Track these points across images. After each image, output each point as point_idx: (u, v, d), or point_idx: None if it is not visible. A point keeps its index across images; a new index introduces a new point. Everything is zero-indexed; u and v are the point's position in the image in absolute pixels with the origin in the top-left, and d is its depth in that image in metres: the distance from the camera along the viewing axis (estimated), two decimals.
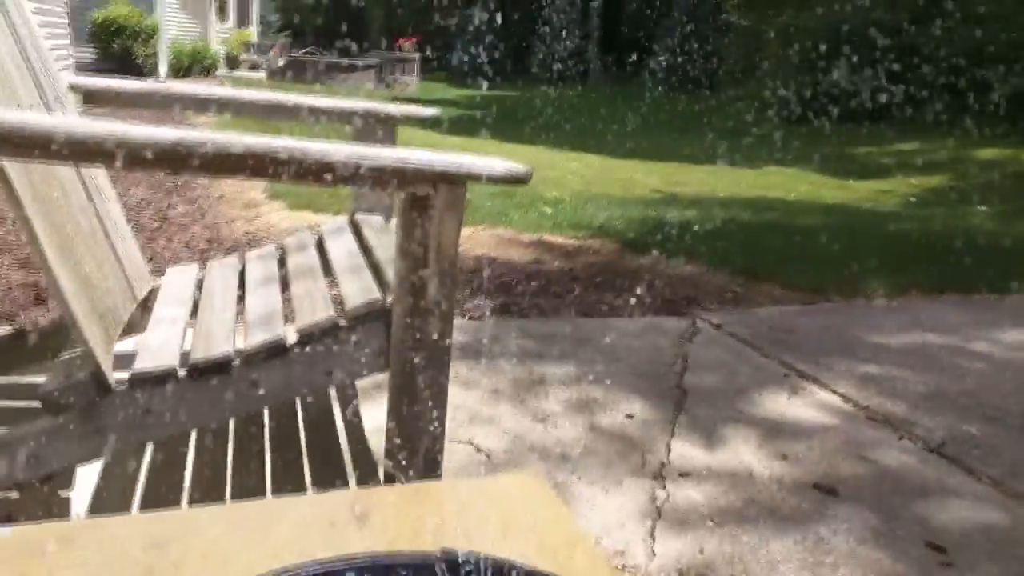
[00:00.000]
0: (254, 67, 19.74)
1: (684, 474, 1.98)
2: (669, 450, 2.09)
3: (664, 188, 7.17)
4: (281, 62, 18.86)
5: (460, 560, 0.69)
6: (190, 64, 16.17)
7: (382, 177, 1.26)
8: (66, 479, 1.45)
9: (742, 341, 2.93)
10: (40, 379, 1.62)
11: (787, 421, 2.32)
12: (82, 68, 12.06)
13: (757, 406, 2.40)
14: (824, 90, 13.02)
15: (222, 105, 1.98)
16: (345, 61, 19.02)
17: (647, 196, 6.56)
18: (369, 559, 0.74)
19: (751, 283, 3.78)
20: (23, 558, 0.84)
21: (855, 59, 12.79)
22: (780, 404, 2.43)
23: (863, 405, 2.45)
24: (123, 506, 1.49)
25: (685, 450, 2.10)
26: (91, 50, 13.50)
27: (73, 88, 1.75)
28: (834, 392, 2.54)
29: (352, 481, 1.56)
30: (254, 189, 5.20)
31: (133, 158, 1.11)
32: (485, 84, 20.74)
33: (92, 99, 1.78)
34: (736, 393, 2.48)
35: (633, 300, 3.38)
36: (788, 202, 6.67)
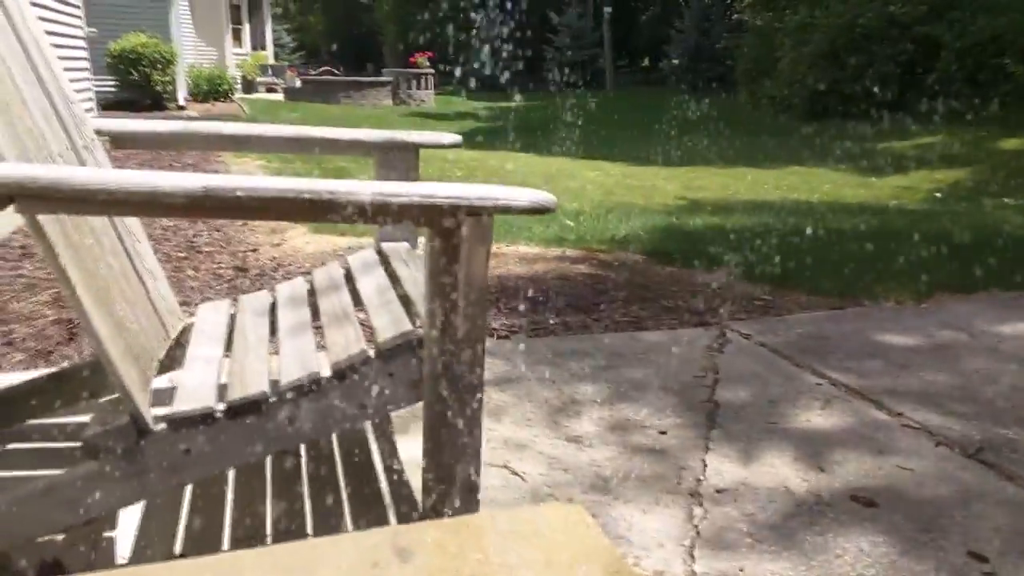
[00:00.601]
0: (271, 89, 19.97)
1: (720, 491, 1.96)
2: (704, 466, 2.08)
3: (685, 194, 7.15)
4: (298, 83, 19.08)
5: None
6: (208, 89, 16.39)
7: (409, 212, 1.27)
8: (109, 520, 1.47)
9: (773, 351, 2.91)
10: (79, 419, 1.65)
11: (821, 432, 2.29)
12: (102, 99, 12.27)
13: (791, 417, 2.38)
14: (842, 86, 12.93)
15: (245, 142, 2.00)
16: (361, 79, 19.20)
17: (668, 204, 6.55)
18: None
19: (778, 290, 3.76)
20: None
21: (872, 54, 12.69)
22: (814, 414, 2.40)
23: (897, 412, 2.42)
24: (166, 546, 1.51)
25: (720, 466, 2.08)
26: (111, 80, 13.72)
27: (99, 133, 1.78)
28: (867, 399, 2.51)
29: (391, 514, 1.57)
30: None
31: (166, 207, 1.13)
32: (501, 96, 20.82)
33: (118, 142, 1.81)
34: (769, 404, 2.46)
35: (659, 312, 3.37)
36: (811, 203, 6.62)
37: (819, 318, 3.34)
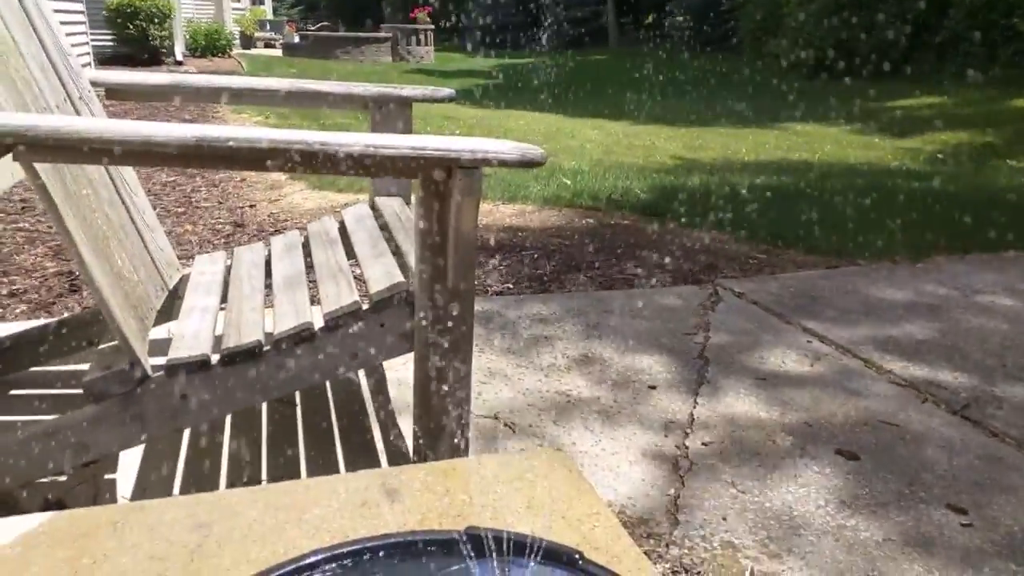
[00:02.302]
0: (269, 44, 19.74)
1: (706, 443, 2.01)
2: (692, 419, 2.12)
3: (686, 154, 7.12)
4: (296, 39, 18.85)
5: (482, 537, 0.73)
6: (206, 45, 16.21)
7: (399, 165, 1.29)
8: (111, 463, 1.52)
9: (764, 308, 2.94)
10: (80, 367, 1.69)
11: (809, 388, 2.33)
12: (99, 53, 12.15)
13: (779, 374, 2.42)
14: (848, 45, 12.77)
15: (240, 94, 2.01)
16: (360, 35, 18.96)
17: (668, 163, 6.52)
18: (400, 537, 0.78)
19: (774, 249, 3.78)
20: (79, 540, 0.89)
21: (879, 13, 12.52)
22: (802, 371, 2.44)
23: (886, 369, 2.46)
24: (165, 487, 1.55)
25: (708, 420, 2.13)
26: (107, 34, 13.57)
27: (95, 84, 1.79)
28: (856, 357, 2.55)
29: (383, 460, 1.61)
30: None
31: (160, 156, 1.15)
32: (501, 52, 20.56)
33: (115, 95, 1.82)
34: (758, 360, 2.50)
35: (653, 270, 3.39)
36: (812, 163, 6.60)
37: (813, 276, 3.37)
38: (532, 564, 0.72)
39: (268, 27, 21.03)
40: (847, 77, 12.12)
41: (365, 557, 0.76)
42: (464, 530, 0.78)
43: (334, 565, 0.75)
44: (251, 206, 4.37)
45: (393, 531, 0.83)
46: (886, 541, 1.64)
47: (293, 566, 0.74)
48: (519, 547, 0.74)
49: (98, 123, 1.12)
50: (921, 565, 1.57)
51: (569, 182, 5.12)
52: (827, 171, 6.09)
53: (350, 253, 1.76)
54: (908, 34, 12.52)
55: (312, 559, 0.75)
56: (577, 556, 0.75)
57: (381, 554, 0.76)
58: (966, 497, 1.81)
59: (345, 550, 0.76)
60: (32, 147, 1.09)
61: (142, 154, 1.14)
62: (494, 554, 0.73)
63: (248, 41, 19.36)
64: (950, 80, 10.77)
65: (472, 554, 0.72)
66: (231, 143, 1.16)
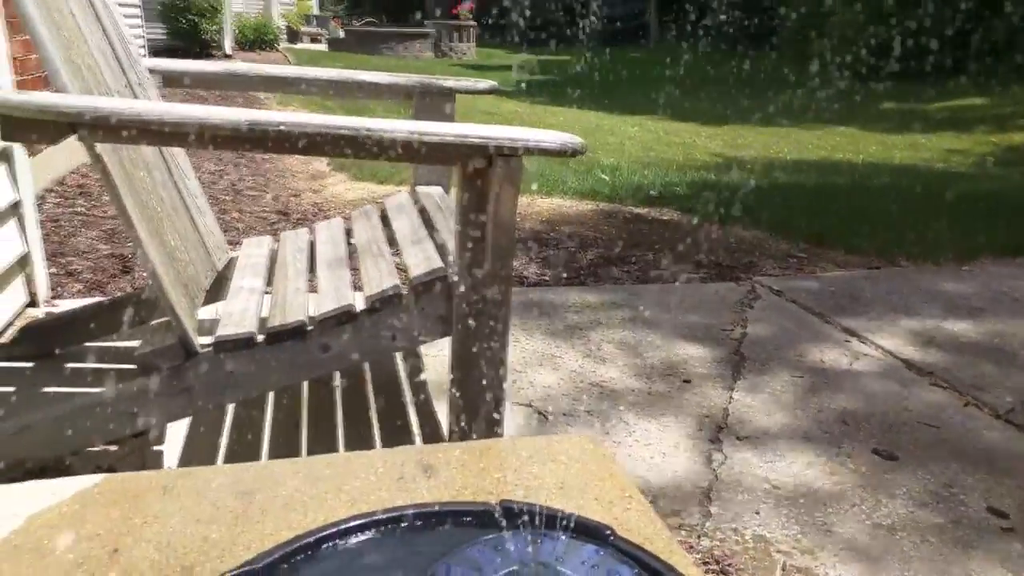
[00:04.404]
0: (315, 39, 19.96)
1: (742, 438, 2.01)
2: (727, 414, 2.12)
3: (726, 152, 7.07)
4: (341, 33, 19.04)
5: (516, 510, 0.76)
6: (254, 39, 16.46)
7: (441, 152, 1.32)
8: (158, 435, 1.58)
9: (803, 307, 2.92)
10: (131, 344, 1.76)
11: (847, 387, 2.32)
12: (152, 46, 12.41)
13: (817, 372, 2.40)
14: (896, 44, 12.52)
15: (288, 83, 2.06)
16: (403, 30, 19.09)
17: (708, 161, 6.48)
18: (436, 507, 0.81)
19: (815, 248, 3.74)
20: (130, 501, 0.93)
21: (929, 10, 12.25)
22: (841, 370, 2.43)
23: (928, 371, 2.43)
24: (209, 459, 1.61)
25: (743, 415, 2.13)
26: (160, 28, 13.87)
27: (152, 71, 1.85)
28: (897, 358, 2.52)
29: (419, 441, 1.65)
30: (319, 162, 5.33)
31: (214, 139, 1.19)
32: (542, 49, 20.55)
33: (170, 82, 1.88)
34: (795, 358, 2.49)
35: (691, 266, 3.38)
36: (856, 164, 6.50)
37: (854, 276, 3.33)
38: (564, 538, 0.74)
39: (314, 22, 21.27)
40: (894, 77, 11.88)
41: (402, 524, 0.78)
42: (498, 502, 0.81)
43: (372, 531, 0.78)
44: (294, 196, 4.45)
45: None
46: (924, 542, 1.63)
47: (333, 529, 0.77)
48: (551, 521, 0.76)
49: (157, 106, 1.17)
50: (960, 568, 1.56)
51: (607, 178, 5.11)
52: (871, 172, 6.00)
53: (391, 240, 1.79)
54: (959, 34, 12.24)
55: (351, 524, 0.78)
56: (608, 532, 0.77)
57: (418, 522, 0.79)
58: (1009, 501, 1.79)
59: (382, 516, 0.79)
60: (94, 128, 1.13)
61: (197, 136, 1.18)
62: (527, 527, 0.75)
63: (294, 36, 19.61)
64: (1000, 81, 10.51)
65: (506, 525, 0.74)
66: (282, 127, 1.20)
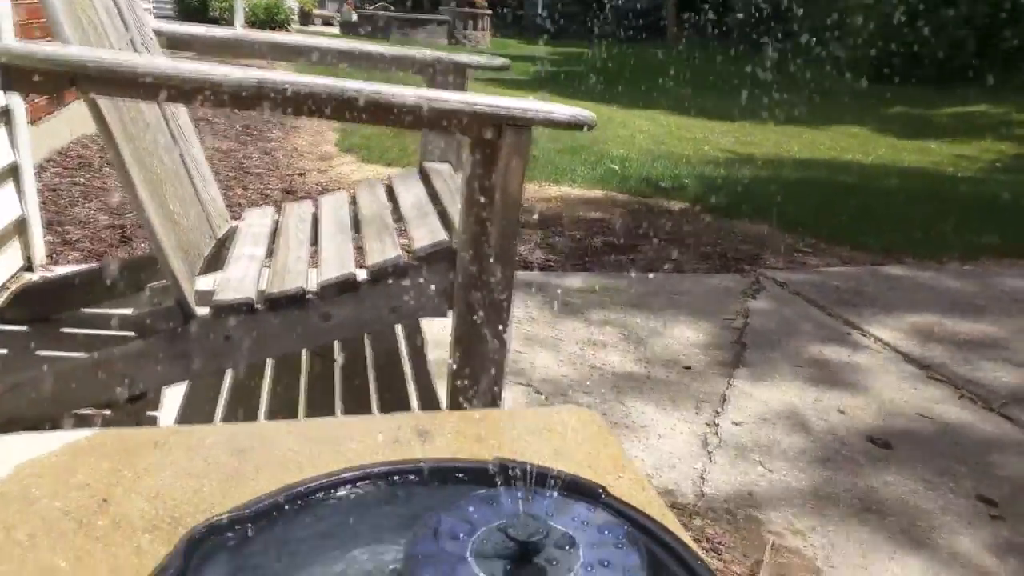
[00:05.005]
0: (327, 22, 19.91)
1: (737, 423, 2.00)
2: (725, 400, 2.11)
3: (737, 148, 7.03)
4: (354, 17, 18.99)
5: (511, 468, 0.75)
6: (265, 19, 16.42)
7: (449, 119, 1.30)
8: (154, 401, 1.57)
9: (807, 299, 2.91)
10: (124, 311, 1.75)
11: (846, 377, 2.31)
12: (160, 19, 12.40)
13: (816, 362, 2.39)
14: (911, 48, 12.45)
15: (299, 52, 2.04)
16: (417, 16, 19.04)
17: (718, 156, 6.45)
18: (431, 463, 0.80)
19: (821, 244, 3.72)
20: (121, 454, 0.93)
21: (946, 15, 12.18)
22: (840, 361, 2.41)
23: (925, 364, 2.42)
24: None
25: (740, 402, 2.12)
26: (169, 4, 13.84)
27: (157, 33, 1.83)
28: (896, 351, 2.51)
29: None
30: (327, 143, 5.32)
31: (217, 97, 1.18)
32: (557, 41, 20.49)
33: (174, 45, 1.86)
34: (796, 349, 2.48)
35: (697, 258, 3.37)
36: (864, 164, 6.47)
37: (859, 272, 3.32)
38: (555, 494, 0.73)
39: (327, 4, 21.19)
40: (907, 81, 11.83)
41: (395, 479, 0.78)
42: (493, 459, 0.80)
43: (365, 484, 0.77)
44: (300, 175, 4.43)
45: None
46: (913, 527, 1.63)
47: (325, 481, 0.76)
48: (544, 479, 0.75)
49: (158, 60, 1.16)
50: (947, 552, 1.56)
51: (617, 168, 5.09)
52: (879, 172, 5.97)
53: (396, 213, 1.78)
54: (974, 40, 12.17)
55: (344, 475, 0.77)
56: (600, 491, 0.76)
57: (412, 477, 0.78)
58: (998, 490, 1.78)
59: (375, 470, 0.78)
60: (93, 79, 1.12)
61: (201, 94, 1.17)
62: (520, 484, 0.74)
63: (307, 17, 19.55)
64: (1015, 89, 10.44)
65: (497, 481, 0.73)
66: (287, 88, 1.18)
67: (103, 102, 1.23)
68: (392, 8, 20.35)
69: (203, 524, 0.70)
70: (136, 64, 1.13)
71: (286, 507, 0.72)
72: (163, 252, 1.36)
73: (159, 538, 0.76)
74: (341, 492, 0.75)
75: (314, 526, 0.71)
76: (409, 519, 0.68)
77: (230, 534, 0.70)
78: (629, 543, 0.65)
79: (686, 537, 0.79)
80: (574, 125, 1.32)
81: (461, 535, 0.65)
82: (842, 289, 3.05)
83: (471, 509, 0.68)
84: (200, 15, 13.96)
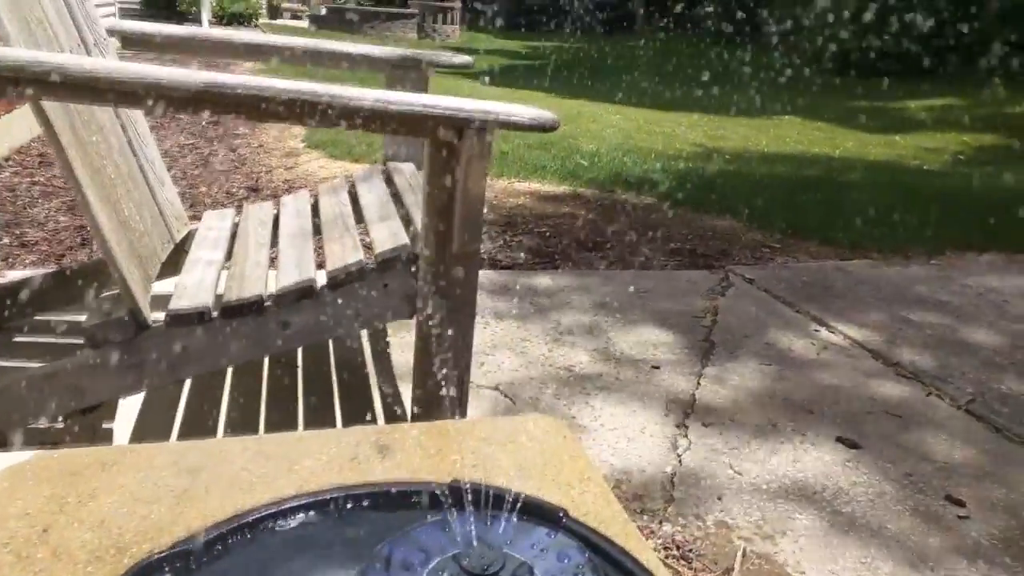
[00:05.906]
0: (296, 16, 19.67)
1: (707, 424, 1.99)
2: (694, 400, 2.11)
3: (706, 142, 7.06)
4: (323, 11, 18.78)
5: (466, 490, 0.72)
6: (233, 13, 16.17)
7: (409, 122, 1.27)
8: (109, 412, 1.52)
9: (774, 296, 2.92)
10: (81, 317, 1.69)
11: (814, 376, 2.31)
12: (126, 14, 12.15)
13: (784, 359, 2.40)
14: (872, 42, 12.59)
15: (259, 51, 1.99)
16: (387, 9, 18.88)
17: (688, 150, 6.46)
18: (384, 487, 0.77)
19: (789, 239, 3.74)
20: (66, 478, 0.89)
21: (911, 8, 12.33)
22: (808, 358, 2.42)
23: (893, 361, 2.44)
24: (162, 438, 1.56)
25: (710, 401, 2.11)
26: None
27: (111, 32, 1.78)
28: (864, 348, 2.52)
29: (381, 421, 1.61)
30: (293, 139, 5.24)
31: (169, 100, 1.13)
32: (527, 35, 20.43)
33: (130, 44, 1.81)
34: (764, 346, 2.48)
35: (665, 254, 3.37)
36: (832, 158, 6.52)
37: (826, 267, 3.33)
38: (515, 520, 0.71)
39: None
40: (873, 74, 11.96)
41: (347, 504, 0.75)
42: (448, 483, 0.77)
43: (316, 511, 0.74)
44: (267, 172, 4.36)
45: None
46: (882, 529, 1.63)
47: (275, 509, 0.73)
48: (503, 502, 0.72)
49: (107, 63, 1.11)
50: (916, 554, 1.56)
51: (586, 163, 5.08)
52: (846, 166, 6.02)
53: (358, 215, 1.74)
54: (939, 33, 12.32)
55: (294, 503, 0.74)
56: (561, 514, 0.74)
57: (364, 502, 0.75)
58: (966, 490, 1.79)
59: (327, 496, 0.75)
60: (38, 84, 1.07)
61: (149, 98, 1.12)
62: (474, 507, 0.72)
63: (275, 11, 19.31)
64: (979, 82, 10.60)
65: (452, 505, 0.71)
66: (240, 90, 1.14)
67: (49, 104, 1.18)
68: (361, 2, 20.16)
69: (145, 559, 0.67)
70: (82, 67, 1.08)
71: (233, 538, 0.69)
72: (115, 259, 1.32)
73: (100, 570, 0.72)
74: (291, 521, 0.72)
75: (261, 558, 0.68)
76: (361, 547, 0.65)
77: (178, 564, 0.67)
78: (590, 572, 0.63)
79: (650, 557, 0.77)
80: (536, 127, 1.30)
81: (415, 564, 0.62)
82: (810, 284, 3.07)
83: (424, 537, 0.65)
84: (166, 7, 13.72)
